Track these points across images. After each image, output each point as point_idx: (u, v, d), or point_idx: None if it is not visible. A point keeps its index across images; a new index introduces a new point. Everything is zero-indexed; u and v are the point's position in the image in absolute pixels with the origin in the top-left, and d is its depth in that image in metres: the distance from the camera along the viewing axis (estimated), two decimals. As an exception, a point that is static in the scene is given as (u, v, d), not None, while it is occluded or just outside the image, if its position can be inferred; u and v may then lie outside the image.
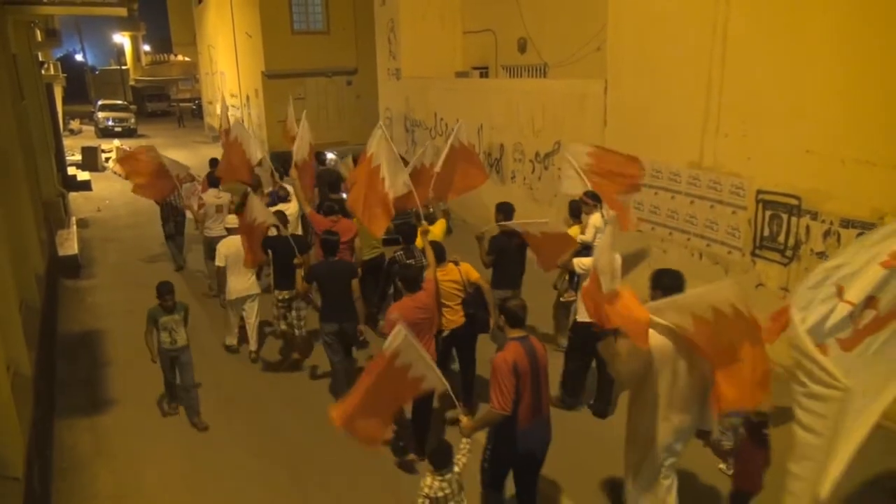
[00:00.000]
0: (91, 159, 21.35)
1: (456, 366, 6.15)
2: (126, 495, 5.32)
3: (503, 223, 6.69)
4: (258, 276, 7.74)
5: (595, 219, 6.91)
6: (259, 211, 6.80)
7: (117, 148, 22.38)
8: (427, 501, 3.87)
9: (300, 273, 6.65)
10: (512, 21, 13.13)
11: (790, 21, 6.37)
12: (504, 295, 5.92)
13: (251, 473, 5.49)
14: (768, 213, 6.83)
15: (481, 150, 12.47)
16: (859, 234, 5.93)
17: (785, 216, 6.64)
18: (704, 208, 7.58)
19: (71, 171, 19.09)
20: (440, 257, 5.80)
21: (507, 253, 6.66)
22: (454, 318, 5.77)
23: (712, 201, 7.46)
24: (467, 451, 4.03)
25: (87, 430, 6.21)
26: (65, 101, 29.41)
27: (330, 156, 13.24)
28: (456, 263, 5.88)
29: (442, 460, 3.90)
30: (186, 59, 47.91)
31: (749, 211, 7.02)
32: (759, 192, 6.89)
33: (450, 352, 5.99)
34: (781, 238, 6.70)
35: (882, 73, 5.63)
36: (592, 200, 6.96)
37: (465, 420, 4.11)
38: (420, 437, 5.45)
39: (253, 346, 7.46)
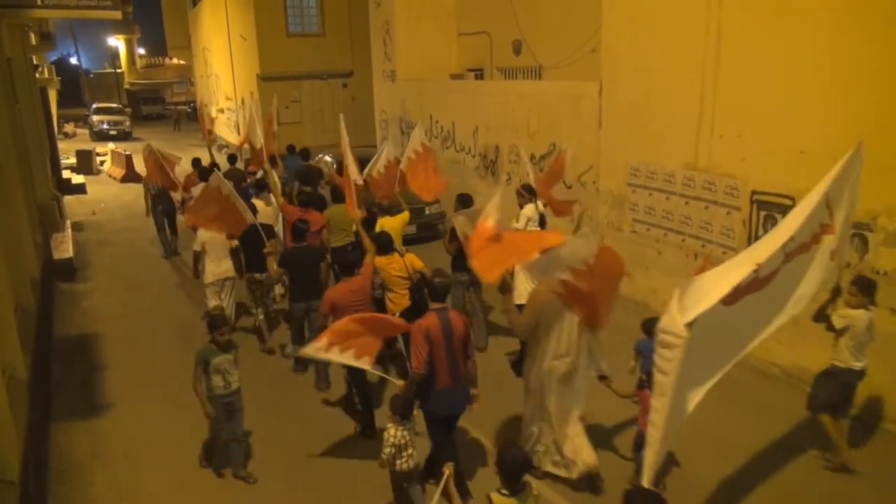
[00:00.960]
0: (86, 163, 21.29)
1: (401, 344, 6.50)
2: (123, 499, 5.30)
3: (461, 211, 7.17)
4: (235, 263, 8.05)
5: (528, 209, 7.60)
6: (239, 204, 7.30)
7: (112, 151, 22.36)
8: (394, 450, 4.57)
9: (271, 260, 7.07)
10: (507, 23, 13.15)
11: (784, 22, 6.41)
12: (459, 277, 7.16)
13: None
14: (763, 213, 6.86)
15: (476, 153, 12.50)
16: (854, 235, 5.98)
17: (779, 216, 6.65)
18: (699, 209, 7.61)
19: (65, 174, 19.06)
20: (387, 248, 6.47)
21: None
22: (401, 301, 6.47)
23: (707, 202, 7.50)
24: (416, 406, 4.79)
25: (83, 434, 6.19)
26: (59, 105, 29.23)
27: (327, 158, 13.26)
28: (401, 254, 6.56)
29: (406, 412, 4.61)
30: (181, 62, 47.83)
31: (744, 211, 7.06)
32: (753, 192, 6.93)
33: None
34: (776, 238, 6.74)
35: (876, 74, 5.67)
36: (527, 193, 7.70)
37: (399, 382, 5.02)
38: (367, 413, 6.01)
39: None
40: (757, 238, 6.91)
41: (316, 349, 4.84)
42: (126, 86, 47.78)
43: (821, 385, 5.28)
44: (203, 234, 7.63)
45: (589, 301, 4.54)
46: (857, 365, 5.11)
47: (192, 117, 38.90)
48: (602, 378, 5.04)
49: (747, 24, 6.81)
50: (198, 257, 7.77)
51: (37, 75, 16.56)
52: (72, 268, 10.69)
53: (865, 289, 5.02)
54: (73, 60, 47.91)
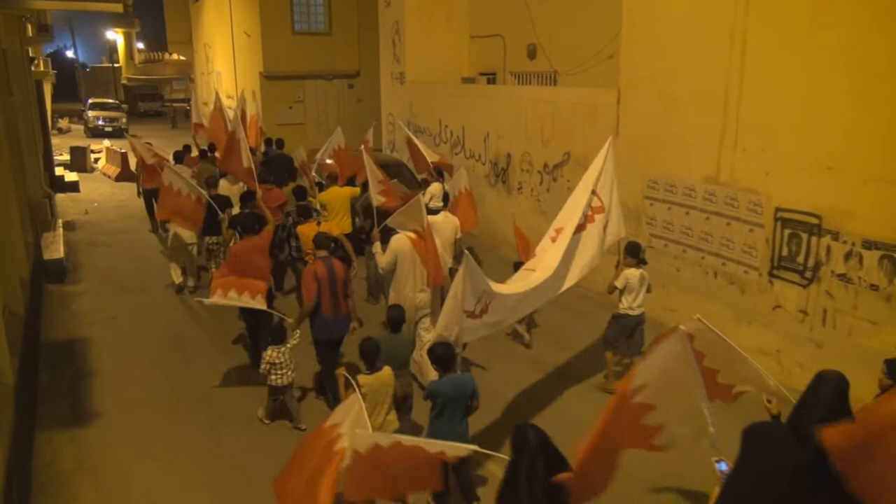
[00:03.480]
0: (80, 160, 20.86)
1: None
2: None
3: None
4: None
5: (435, 187, 9.38)
6: (190, 186, 8.94)
7: (107, 148, 22.00)
8: (269, 366, 5.93)
9: (224, 223, 8.68)
10: (522, 26, 12.91)
11: (812, 32, 6.20)
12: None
13: (237, 489, 5.31)
14: (787, 231, 6.64)
15: (487, 160, 12.23)
16: (882, 257, 5.74)
17: (805, 235, 6.44)
18: (720, 225, 7.36)
19: (58, 171, 18.59)
20: (308, 215, 7.95)
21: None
22: None
23: (729, 218, 7.26)
24: (297, 336, 6.16)
25: (69, 443, 5.97)
26: (54, 99, 28.96)
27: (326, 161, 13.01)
28: (318, 223, 7.69)
29: (279, 338, 6.01)
30: (181, 58, 47.24)
31: (767, 229, 6.83)
32: (777, 209, 6.71)
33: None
34: (801, 258, 6.50)
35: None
36: (436, 175, 9.96)
37: (290, 320, 6.36)
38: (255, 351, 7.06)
39: (191, 283, 9.66)
40: (780, 258, 6.73)
41: (217, 297, 6.46)
42: (123, 81, 47.25)
43: (610, 327, 6.66)
44: None
45: (426, 255, 6.36)
46: (635, 312, 6.46)
47: (190, 115, 38.56)
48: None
49: (774, 34, 6.60)
50: (163, 225, 9.89)
51: (32, 68, 16.23)
52: (62, 269, 10.35)
53: (631, 252, 6.39)
54: (70, 53, 47.44)
